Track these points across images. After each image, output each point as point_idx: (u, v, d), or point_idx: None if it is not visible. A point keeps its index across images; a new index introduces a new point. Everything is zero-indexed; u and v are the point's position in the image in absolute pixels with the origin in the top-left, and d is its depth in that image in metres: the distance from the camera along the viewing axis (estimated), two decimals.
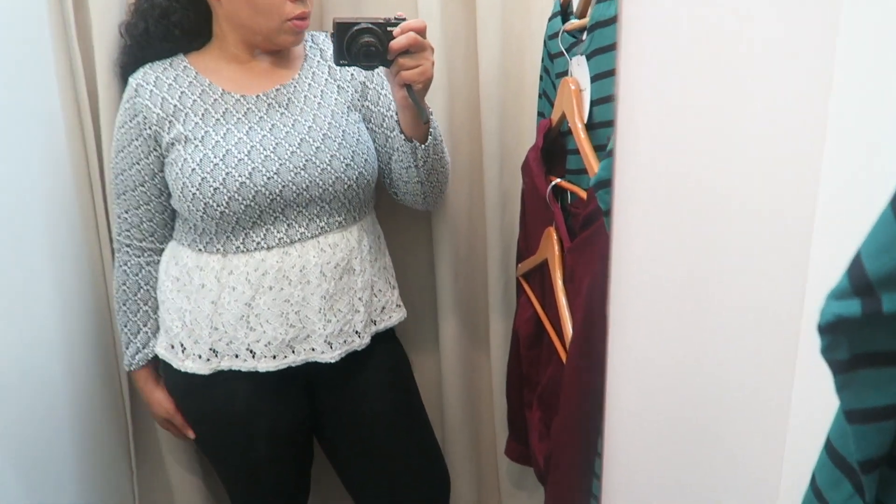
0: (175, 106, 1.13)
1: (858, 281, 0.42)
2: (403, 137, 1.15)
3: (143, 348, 1.22)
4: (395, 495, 1.30)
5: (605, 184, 0.81)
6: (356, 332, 1.20)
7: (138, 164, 1.15)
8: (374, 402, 1.26)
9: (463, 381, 1.50)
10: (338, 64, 1.05)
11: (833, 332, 0.44)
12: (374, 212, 1.28)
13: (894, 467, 0.46)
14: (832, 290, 0.44)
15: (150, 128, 1.13)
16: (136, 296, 1.21)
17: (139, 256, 1.20)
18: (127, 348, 1.22)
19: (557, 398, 1.10)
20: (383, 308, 1.28)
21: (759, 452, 0.79)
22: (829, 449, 0.50)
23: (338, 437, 1.30)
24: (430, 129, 1.14)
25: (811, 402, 0.75)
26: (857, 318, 0.42)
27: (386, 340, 1.29)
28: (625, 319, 0.81)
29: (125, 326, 1.21)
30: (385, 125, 1.24)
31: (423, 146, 1.15)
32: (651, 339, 0.80)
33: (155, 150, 1.15)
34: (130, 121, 1.14)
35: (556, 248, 1.15)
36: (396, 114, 1.16)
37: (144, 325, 1.21)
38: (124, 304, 1.21)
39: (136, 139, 1.14)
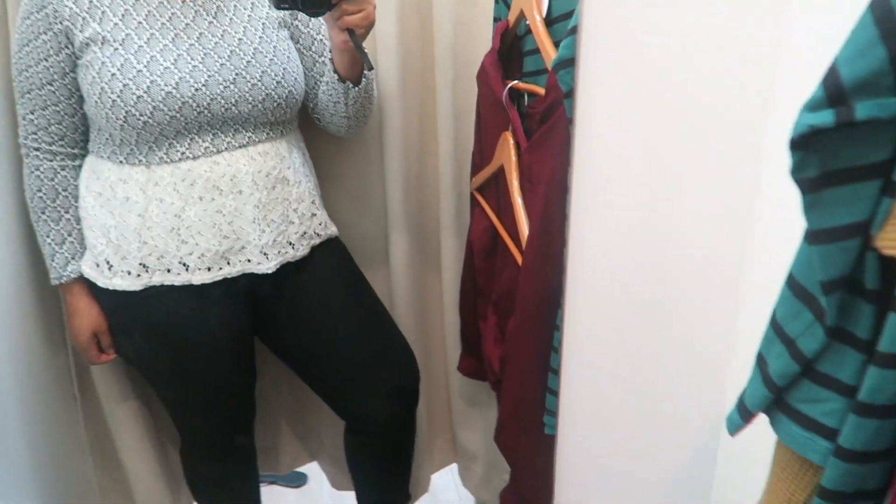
0: (91, 1, 1.05)
1: (833, 90, 0.42)
2: (337, 77, 1.14)
3: (73, 259, 1.14)
4: (361, 385, 1.29)
5: (568, 63, 0.80)
6: (290, 243, 1.18)
7: (46, 60, 1.06)
8: (323, 295, 1.25)
9: (414, 300, 1.49)
10: (278, 8, 1.01)
11: (805, 147, 0.44)
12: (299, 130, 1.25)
13: (853, 292, 0.47)
14: (806, 102, 0.43)
15: (60, 23, 1.05)
16: (54, 203, 1.13)
17: (51, 160, 1.12)
18: (53, 260, 1.14)
19: (513, 302, 1.11)
20: (320, 223, 1.25)
21: (713, 314, 0.80)
22: (791, 283, 0.51)
23: (291, 340, 1.28)
24: (365, 72, 1.13)
25: (764, 268, 0.77)
26: (830, 129, 0.42)
27: (327, 248, 1.26)
28: (586, 198, 0.80)
29: (48, 237, 1.14)
30: (314, 49, 1.22)
31: (355, 88, 1.14)
32: (611, 214, 0.80)
33: (66, 47, 1.06)
34: (38, 12, 1.04)
35: (513, 151, 1.14)
36: (330, 49, 1.14)
37: (69, 235, 1.14)
38: (43, 213, 1.13)
39: (45, 33, 1.05)
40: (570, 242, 0.83)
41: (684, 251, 0.79)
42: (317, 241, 1.23)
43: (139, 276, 1.10)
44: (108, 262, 1.11)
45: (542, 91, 1.04)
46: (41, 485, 1.18)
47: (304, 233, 1.20)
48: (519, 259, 1.11)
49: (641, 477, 0.87)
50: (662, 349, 0.81)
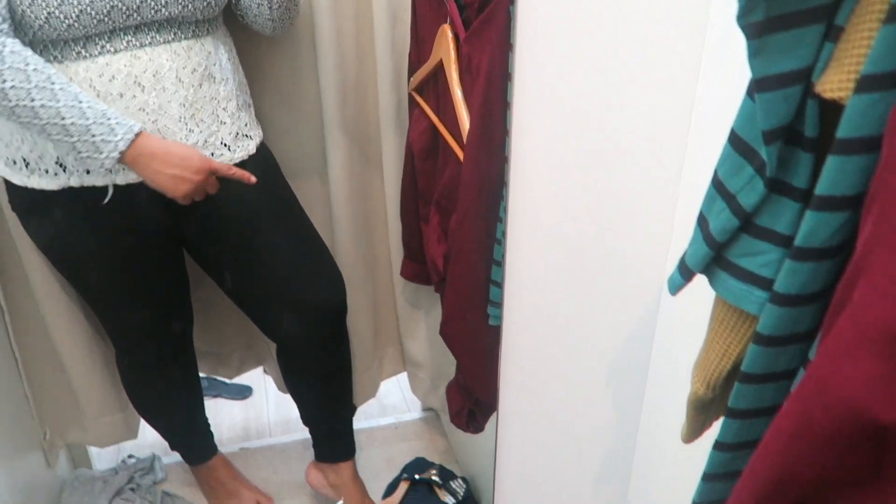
0: None
1: None
2: None
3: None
4: (284, 305, 1.26)
5: None
6: (224, 144, 1.12)
7: None
8: (249, 210, 1.20)
9: (355, 207, 1.46)
10: None
11: None
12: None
13: (792, 143, 0.47)
14: None
15: None
16: None
17: None
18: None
19: (454, 200, 1.10)
20: (251, 124, 1.20)
21: (656, 190, 0.82)
22: (733, 139, 0.51)
23: (214, 256, 1.24)
24: None
25: (708, 124, 0.78)
26: None
27: (256, 158, 1.21)
28: (529, 85, 0.79)
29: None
30: None
31: None
32: (555, 96, 0.79)
33: None
34: None
35: (451, 43, 1.10)
36: None
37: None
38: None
39: None
40: (513, 130, 0.82)
41: (629, 122, 0.79)
42: (251, 143, 1.18)
43: (56, 175, 1.04)
44: (24, 160, 1.04)
45: None
46: None
47: (238, 133, 1.15)
48: (461, 155, 1.09)
49: (584, 357, 0.90)
50: (606, 230, 0.82)
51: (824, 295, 0.47)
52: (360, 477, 1.51)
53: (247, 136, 1.18)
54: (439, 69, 1.17)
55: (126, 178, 1.06)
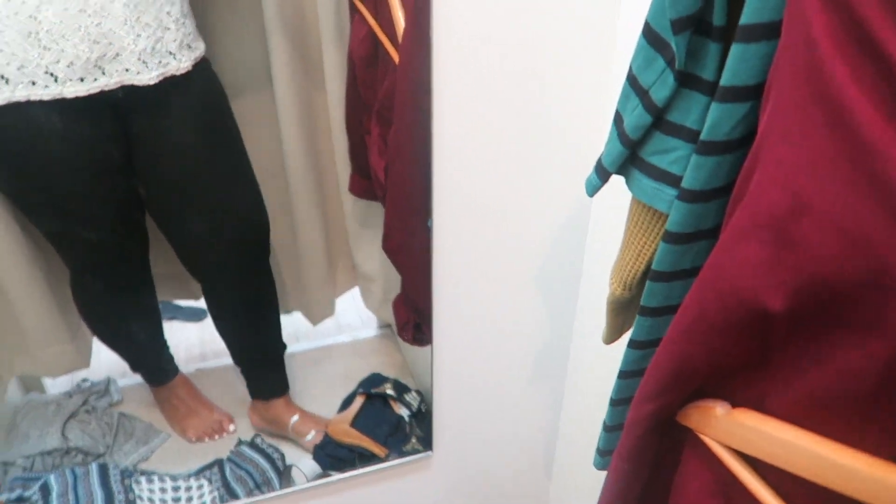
0: None
1: None
2: None
3: None
4: (203, 236, 1.25)
5: None
6: (170, 52, 1.06)
7: None
8: (190, 133, 1.16)
9: (301, 122, 1.42)
10: None
11: None
12: None
13: (701, 33, 0.46)
14: None
15: None
16: None
17: None
18: None
19: (393, 110, 1.07)
20: (191, 34, 1.14)
21: (584, 85, 0.80)
22: (646, 30, 0.49)
23: (145, 168, 1.20)
24: None
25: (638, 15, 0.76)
26: None
27: (201, 73, 1.16)
28: None
29: None
30: None
31: None
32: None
33: None
34: None
35: None
36: None
37: None
38: None
39: None
40: (433, 29, 0.78)
41: (555, 20, 0.77)
42: (196, 54, 1.13)
43: None
44: None
45: None
46: None
47: (182, 41, 1.09)
48: (398, 61, 1.06)
49: (515, 257, 0.91)
50: (533, 122, 0.81)
51: (728, 190, 0.47)
52: (295, 406, 1.52)
53: (189, 46, 1.12)
54: None
55: (75, 89, 1.00)
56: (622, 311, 0.62)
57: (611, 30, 0.78)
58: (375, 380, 1.61)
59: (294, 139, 1.41)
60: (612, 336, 0.65)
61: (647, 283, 0.53)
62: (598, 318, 0.93)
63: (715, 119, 0.44)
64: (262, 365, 1.49)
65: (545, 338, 0.94)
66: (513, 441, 1.05)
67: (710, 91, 0.47)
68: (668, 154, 0.51)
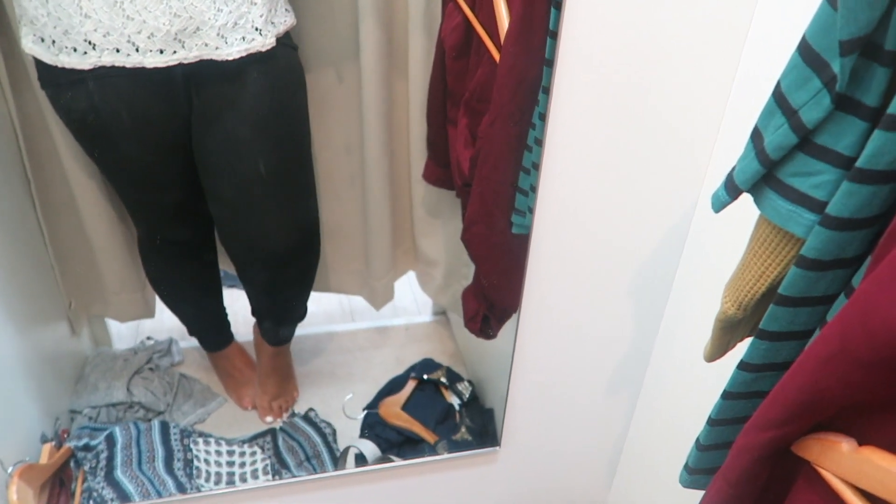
0: None
1: None
2: None
3: None
4: (256, 230, 1.27)
5: None
6: (256, 28, 1.07)
7: None
8: (260, 113, 1.17)
9: (380, 105, 1.42)
10: None
11: None
12: None
13: (868, 56, 0.44)
14: None
15: None
16: None
17: None
18: None
19: (486, 102, 1.06)
20: (286, 9, 1.14)
21: (704, 96, 0.78)
22: (803, 48, 0.48)
23: (206, 140, 1.20)
24: None
25: (769, 31, 0.74)
26: None
27: (285, 53, 1.16)
28: None
29: None
30: None
31: None
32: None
33: None
34: None
35: None
36: None
37: None
38: None
39: None
40: (562, 29, 0.77)
41: (683, 23, 0.75)
42: (281, 29, 1.13)
43: (86, 53, 1.00)
44: (51, 38, 1.00)
45: None
46: None
47: (268, 18, 1.09)
48: (496, 55, 1.05)
49: (609, 267, 0.90)
50: (646, 139, 0.80)
51: (878, 220, 0.46)
52: (283, 355, 1.55)
53: (273, 22, 1.13)
54: None
55: (155, 60, 1.03)
56: (731, 331, 0.61)
57: (738, 44, 0.76)
58: (428, 365, 1.62)
59: (373, 120, 1.42)
60: (716, 354, 0.63)
61: (771, 306, 0.52)
62: (683, 333, 0.91)
63: (878, 147, 0.42)
64: (277, 326, 1.51)
65: (626, 347, 0.94)
66: (579, 446, 1.04)
67: (870, 117, 0.45)
68: (812, 177, 0.49)
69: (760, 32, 0.75)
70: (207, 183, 1.25)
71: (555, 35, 0.87)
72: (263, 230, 1.28)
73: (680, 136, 0.80)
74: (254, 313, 1.49)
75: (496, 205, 1.02)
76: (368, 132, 1.42)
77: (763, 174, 0.52)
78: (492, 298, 1.13)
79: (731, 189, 0.55)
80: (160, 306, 1.57)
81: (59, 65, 1.02)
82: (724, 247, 0.64)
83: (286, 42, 1.17)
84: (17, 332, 1.22)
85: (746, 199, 0.55)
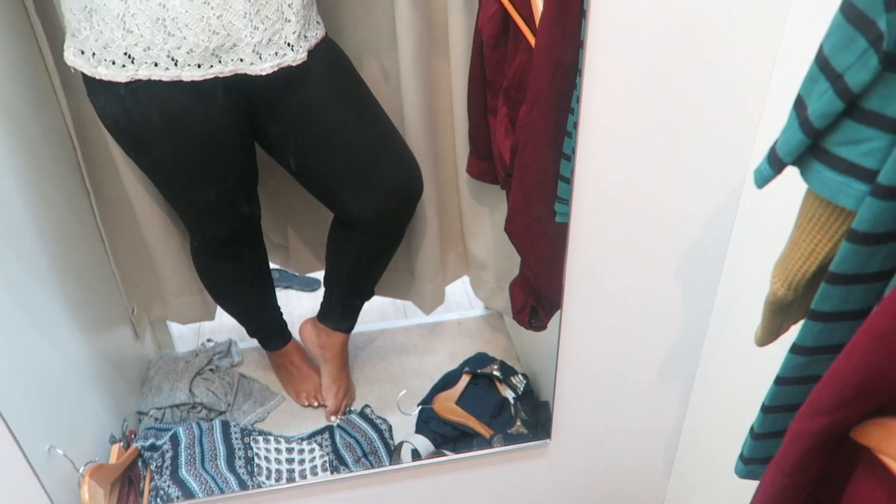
0: None
1: None
2: None
3: None
4: (359, 179, 1.29)
5: None
6: (288, 44, 1.10)
7: None
8: (322, 101, 1.20)
9: (424, 100, 1.42)
10: None
11: None
12: None
13: None
14: None
15: None
16: None
17: None
18: None
19: (524, 90, 1.04)
20: (318, 22, 1.16)
21: (751, 48, 0.74)
22: (845, 7, 0.45)
23: (286, 146, 1.26)
24: None
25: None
26: None
27: (323, 52, 1.19)
28: None
29: None
30: None
31: None
32: None
33: None
34: None
35: None
36: None
37: None
38: None
39: None
40: (590, 12, 0.75)
41: (718, 4, 0.72)
42: (312, 42, 1.16)
43: (124, 66, 1.04)
44: (91, 50, 1.04)
45: None
46: (59, 279, 1.21)
47: (301, 33, 1.12)
48: (533, 42, 1.03)
49: (654, 254, 0.87)
50: (686, 117, 0.76)
51: None
52: (347, 349, 1.57)
53: (304, 36, 1.15)
54: None
55: (192, 74, 1.06)
56: (782, 313, 0.58)
57: (783, 9, 0.72)
58: (481, 359, 1.61)
59: (416, 117, 1.42)
60: (767, 338, 0.60)
61: (823, 284, 0.49)
62: (736, 317, 0.88)
63: None
64: (350, 300, 1.53)
65: (678, 334, 0.90)
66: (634, 437, 1.01)
67: None
68: (861, 145, 0.46)
69: (804, 7, 0.71)
70: (297, 166, 1.28)
71: None
72: (377, 171, 1.29)
73: (723, 110, 0.77)
74: (327, 281, 1.51)
75: (538, 193, 1.00)
76: (412, 130, 1.42)
77: (808, 145, 0.49)
78: (538, 289, 1.11)
79: (775, 162, 0.52)
80: (219, 312, 1.61)
81: (98, 76, 1.06)
82: (777, 224, 0.61)
83: (322, 44, 1.19)
84: (85, 339, 1.27)
85: (796, 171, 0.52)
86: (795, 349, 0.53)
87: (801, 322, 0.54)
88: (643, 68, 0.76)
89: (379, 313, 1.81)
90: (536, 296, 1.14)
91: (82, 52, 1.06)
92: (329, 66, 1.21)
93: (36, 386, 1.08)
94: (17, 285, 1.06)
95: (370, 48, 1.35)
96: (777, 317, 0.58)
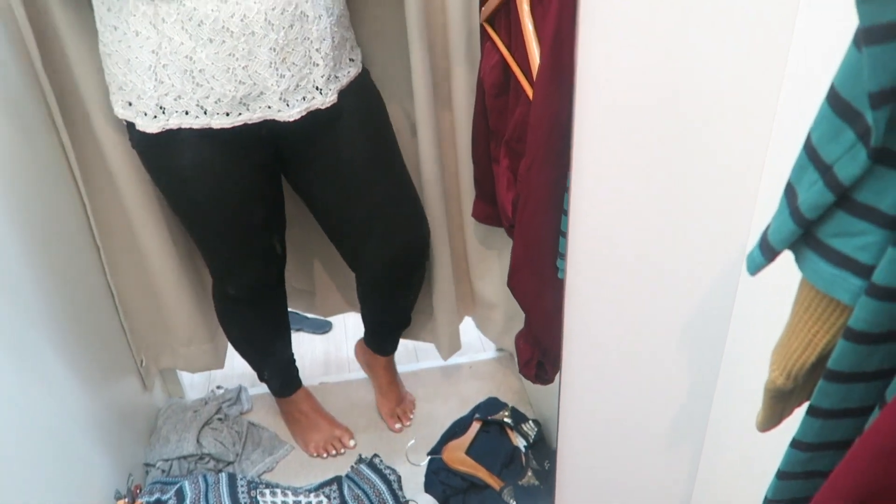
0: None
1: None
2: None
3: None
4: (372, 239, 1.31)
5: None
6: (317, 87, 1.10)
7: None
8: (346, 151, 1.22)
9: (433, 146, 1.40)
10: None
11: None
12: None
13: None
14: None
15: None
16: None
17: None
18: None
19: (525, 142, 1.03)
20: (350, 59, 1.16)
21: (740, 147, 0.72)
22: (832, 98, 0.43)
23: (311, 188, 1.28)
24: None
25: (808, 70, 0.68)
26: None
27: (355, 91, 1.19)
28: (599, 17, 0.70)
29: None
30: None
31: None
32: (626, 35, 0.70)
33: None
34: None
35: None
36: None
37: None
38: None
39: None
40: (578, 66, 0.74)
41: (712, 73, 0.70)
42: (344, 81, 1.16)
43: (156, 117, 1.07)
44: (128, 101, 1.09)
45: None
46: (63, 333, 1.21)
47: (331, 75, 1.12)
48: (531, 94, 1.02)
49: (654, 317, 0.84)
50: (682, 183, 0.74)
51: None
52: (394, 366, 1.66)
53: (335, 77, 1.15)
54: (509, 1, 1.08)
55: (221, 122, 1.07)
56: (783, 400, 0.55)
57: (777, 74, 0.70)
58: (492, 405, 1.58)
59: (429, 162, 1.40)
60: (768, 424, 0.57)
61: (821, 381, 0.46)
62: (744, 388, 0.84)
63: None
64: (386, 332, 1.59)
65: (682, 401, 0.87)
66: (643, 499, 0.98)
67: None
68: (855, 238, 0.44)
69: (801, 67, 0.68)
70: (319, 209, 1.32)
71: None
72: (389, 228, 1.33)
73: (718, 176, 0.74)
74: (367, 326, 1.58)
75: (539, 250, 0.99)
76: (426, 174, 1.39)
77: (800, 234, 0.47)
78: (544, 344, 1.09)
79: (767, 250, 0.49)
80: (230, 355, 1.61)
81: (136, 127, 1.09)
82: (780, 301, 0.58)
83: (357, 81, 1.20)
84: (91, 392, 1.27)
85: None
86: (795, 444, 0.50)
87: (803, 411, 0.51)
88: (635, 134, 0.74)
89: None
90: (542, 349, 1.11)
91: (130, 104, 1.09)
92: (359, 107, 1.21)
93: (39, 443, 1.07)
94: (18, 339, 1.06)
95: (388, 90, 1.35)
96: (778, 403, 0.55)
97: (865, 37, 0.38)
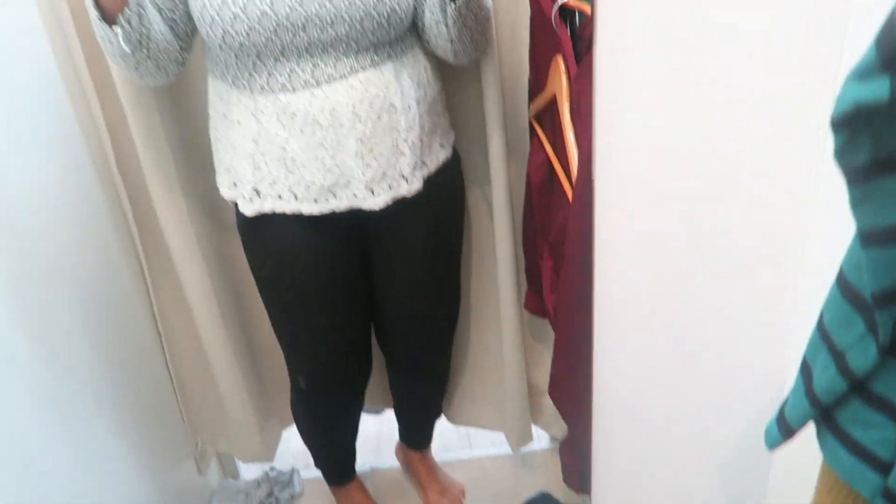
0: None
1: (889, 51, 0.30)
2: None
3: None
4: (406, 335, 1.38)
5: None
6: (402, 176, 1.12)
7: None
8: (414, 264, 1.27)
9: (509, 231, 1.38)
10: None
11: (852, 126, 0.33)
12: (420, 42, 1.15)
13: None
14: (853, 68, 0.32)
15: None
16: None
17: None
18: None
19: (565, 248, 1.02)
20: (441, 145, 1.19)
21: (768, 293, 0.69)
22: (841, 282, 0.41)
23: (382, 274, 1.30)
24: None
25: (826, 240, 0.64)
26: (884, 105, 0.31)
27: (440, 180, 1.20)
28: (616, 140, 0.69)
29: None
30: None
31: (453, 5, 1.03)
32: (641, 176, 0.69)
33: None
34: None
35: (564, 77, 1.02)
36: None
37: None
38: None
39: None
40: (597, 180, 0.73)
41: (737, 206, 0.68)
42: (432, 168, 1.17)
43: (252, 200, 1.11)
44: (233, 183, 1.14)
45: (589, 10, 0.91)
46: (123, 418, 1.26)
47: (417, 162, 1.13)
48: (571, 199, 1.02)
49: (681, 437, 0.80)
50: (710, 314, 0.71)
51: None
52: (431, 458, 1.66)
53: (422, 163, 1.15)
54: (555, 101, 1.09)
55: (310, 208, 1.10)
56: None
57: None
58: (544, 502, 1.53)
59: (501, 240, 1.36)
60: None
61: None
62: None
63: None
64: (418, 424, 1.62)
65: None
66: None
67: None
68: (871, 430, 0.40)
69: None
70: (383, 298, 1.32)
71: None
72: (422, 320, 1.36)
73: (750, 309, 0.71)
74: (396, 412, 1.61)
75: (578, 360, 0.96)
76: (500, 250, 1.37)
77: (817, 415, 0.44)
78: (585, 453, 1.05)
79: (783, 427, 0.46)
80: (285, 438, 1.63)
81: (239, 209, 1.14)
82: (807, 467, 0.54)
83: (445, 167, 1.21)
84: (146, 475, 1.31)
85: None
86: None
87: None
88: (656, 262, 0.72)
89: (441, 443, 1.77)
90: (584, 458, 1.07)
91: (234, 185, 1.14)
92: (441, 194, 1.22)
93: None
94: (80, 424, 1.10)
95: (475, 175, 1.38)
96: None
97: (864, 240, 0.36)
